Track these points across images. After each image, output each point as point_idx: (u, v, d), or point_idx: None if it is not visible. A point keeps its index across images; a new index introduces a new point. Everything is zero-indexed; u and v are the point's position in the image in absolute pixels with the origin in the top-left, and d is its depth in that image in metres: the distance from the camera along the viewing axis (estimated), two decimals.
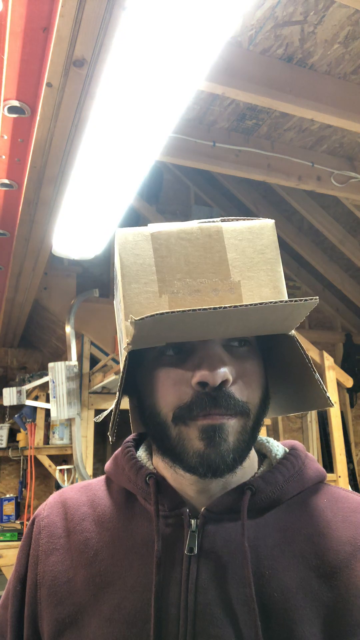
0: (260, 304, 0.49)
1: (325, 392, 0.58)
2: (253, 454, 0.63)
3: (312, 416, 4.34)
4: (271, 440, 0.67)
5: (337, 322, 5.20)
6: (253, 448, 0.63)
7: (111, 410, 0.59)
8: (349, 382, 2.98)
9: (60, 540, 0.63)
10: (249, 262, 0.57)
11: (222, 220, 0.59)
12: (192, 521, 0.57)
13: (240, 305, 0.48)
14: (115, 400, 0.57)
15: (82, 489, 0.69)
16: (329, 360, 2.90)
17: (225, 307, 0.48)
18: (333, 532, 0.58)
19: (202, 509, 0.58)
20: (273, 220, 0.60)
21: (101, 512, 0.63)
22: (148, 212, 4.25)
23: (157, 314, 0.48)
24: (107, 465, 0.69)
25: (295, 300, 0.49)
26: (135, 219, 4.56)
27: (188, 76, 1.22)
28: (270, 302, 0.49)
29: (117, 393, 0.57)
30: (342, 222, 3.99)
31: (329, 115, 1.95)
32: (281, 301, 0.49)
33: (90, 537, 0.61)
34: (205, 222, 0.59)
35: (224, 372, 0.53)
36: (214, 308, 0.48)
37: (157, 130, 1.42)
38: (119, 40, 1.07)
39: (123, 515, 0.62)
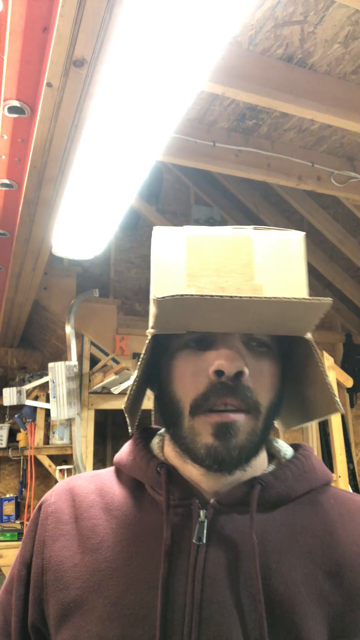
0: (274, 298, 0.51)
1: (335, 397, 0.59)
2: (263, 454, 0.64)
3: None
4: (280, 440, 0.69)
5: (337, 322, 5.20)
6: (264, 449, 0.64)
7: (129, 393, 0.61)
8: (349, 382, 2.98)
9: (67, 527, 0.63)
10: (274, 267, 0.60)
11: (255, 229, 0.62)
12: (201, 512, 0.58)
13: (255, 297, 0.51)
14: (133, 377, 0.61)
15: (91, 478, 0.69)
16: (329, 360, 2.90)
17: (241, 297, 0.51)
18: (340, 531, 0.59)
19: (212, 500, 0.59)
20: (303, 233, 0.63)
21: (110, 500, 0.64)
22: (148, 212, 4.25)
23: (177, 295, 0.51)
24: (117, 456, 0.70)
25: (310, 299, 0.51)
26: (135, 219, 4.56)
27: (188, 76, 1.22)
28: (284, 298, 0.51)
29: (137, 372, 0.60)
30: (342, 222, 3.99)
31: (329, 115, 1.95)
32: (295, 298, 0.51)
33: (98, 523, 0.62)
34: (238, 228, 0.62)
35: (239, 363, 0.55)
36: (230, 296, 0.51)
37: (157, 130, 1.42)
38: (119, 40, 1.07)
39: (132, 504, 0.63)
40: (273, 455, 0.67)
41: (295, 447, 0.68)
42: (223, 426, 0.55)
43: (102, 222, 1.97)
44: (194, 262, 0.60)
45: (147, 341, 0.58)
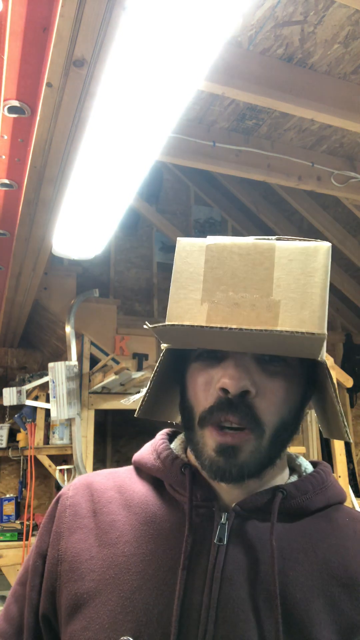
0: (265, 331, 0.51)
1: (345, 427, 0.59)
2: (285, 467, 0.66)
3: (312, 416, 4.33)
4: (301, 457, 0.70)
5: (337, 322, 5.20)
6: (286, 462, 0.66)
7: (142, 396, 0.65)
8: (349, 382, 2.98)
9: (84, 520, 0.64)
10: (294, 282, 0.57)
11: (278, 239, 0.60)
12: (223, 514, 0.59)
13: (237, 328, 0.51)
14: (145, 389, 0.63)
15: (109, 475, 0.70)
16: (329, 360, 2.90)
17: (228, 328, 0.51)
18: (357, 547, 0.60)
19: (234, 505, 0.60)
20: (329, 244, 0.60)
21: (129, 497, 0.65)
22: (148, 212, 4.25)
23: (163, 325, 0.53)
24: (137, 455, 0.71)
25: (302, 333, 0.50)
26: (135, 219, 4.56)
27: (188, 76, 1.22)
28: (276, 331, 0.51)
29: (150, 383, 0.63)
30: (342, 222, 3.99)
31: (329, 115, 1.95)
32: (286, 331, 0.51)
33: (117, 519, 0.63)
34: (261, 238, 0.61)
35: (244, 383, 0.56)
36: (211, 327, 0.52)
37: (157, 130, 1.42)
38: (119, 40, 1.06)
39: (152, 502, 0.64)
40: (294, 469, 0.68)
41: (314, 464, 0.70)
42: (224, 446, 0.56)
43: (102, 222, 1.97)
44: (211, 276, 0.59)
45: (161, 354, 0.60)
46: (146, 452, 0.70)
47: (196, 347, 0.60)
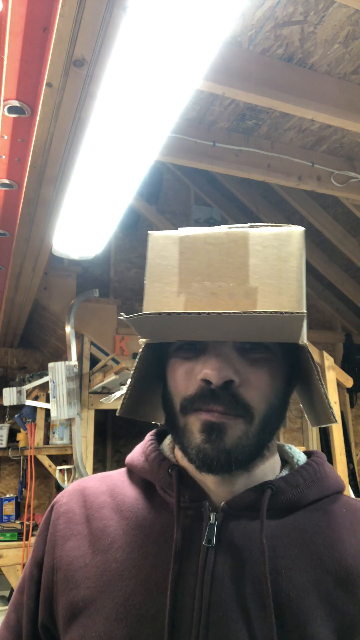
0: (244, 312, 0.50)
1: (330, 409, 0.59)
2: (275, 459, 0.64)
3: None
4: (293, 447, 0.69)
5: (337, 322, 5.20)
6: (276, 454, 0.65)
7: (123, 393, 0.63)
8: (349, 382, 2.98)
9: (78, 527, 0.63)
10: (270, 269, 0.57)
11: (251, 226, 0.60)
12: (212, 515, 0.58)
13: (215, 313, 0.50)
14: (126, 386, 0.61)
15: (102, 479, 0.70)
16: (329, 360, 2.90)
17: (207, 313, 0.50)
18: (352, 539, 0.59)
19: (222, 504, 0.59)
20: (302, 228, 0.60)
21: (121, 501, 0.64)
22: (148, 212, 4.25)
23: (143, 314, 0.51)
24: (129, 457, 0.70)
25: (278, 313, 0.49)
26: (135, 219, 4.56)
27: (188, 76, 1.22)
28: (254, 312, 0.50)
29: (130, 380, 0.60)
30: (342, 222, 3.99)
31: (329, 115, 1.95)
32: (266, 312, 0.50)
33: (109, 524, 0.62)
34: (234, 227, 0.60)
35: (227, 373, 0.54)
36: (190, 314, 0.50)
37: (157, 130, 1.42)
38: (119, 40, 1.07)
39: (142, 505, 0.63)
40: (286, 461, 0.67)
41: (308, 454, 0.68)
42: (210, 425, 0.55)
43: (102, 222, 1.98)
44: (186, 267, 0.58)
45: (140, 350, 0.58)
46: (136, 454, 0.69)
47: (175, 340, 0.58)
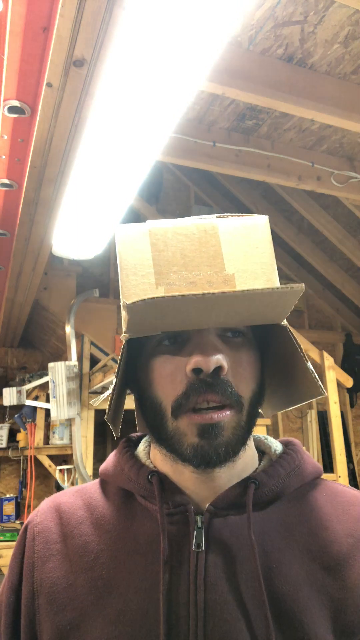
0: (247, 290, 0.50)
1: (317, 381, 0.58)
2: (253, 451, 0.64)
3: (312, 416, 4.34)
4: (269, 437, 0.68)
5: (337, 322, 5.20)
6: (253, 445, 0.64)
7: (110, 398, 0.61)
8: (349, 382, 2.98)
9: (56, 546, 0.60)
10: (243, 256, 0.58)
11: (218, 217, 0.61)
12: (198, 517, 0.57)
13: (227, 292, 0.50)
14: (112, 386, 0.59)
15: (77, 493, 0.67)
16: (329, 360, 2.90)
17: (213, 293, 0.49)
18: (334, 525, 0.59)
19: (207, 505, 0.58)
20: (267, 217, 0.62)
21: (99, 514, 0.62)
22: (148, 212, 4.24)
23: (147, 298, 0.49)
24: (102, 467, 0.68)
25: (282, 287, 0.50)
26: (135, 219, 4.55)
27: (188, 76, 1.22)
28: (257, 290, 0.50)
29: (114, 379, 0.58)
30: (342, 222, 3.99)
31: (329, 115, 1.95)
32: (268, 288, 0.50)
33: (89, 540, 0.59)
34: (200, 218, 0.61)
35: (218, 358, 0.54)
36: (203, 294, 0.49)
37: (157, 130, 1.42)
38: (119, 40, 1.07)
39: (123, 516, 0.61)
40: (264, 452, 0.66)
41: (285, 443, 0.67)
42: (207, 427, 0.54)
43: (102, 222, 1.97)
44: (161, 259, 0.58)
45: (122, 347, 0.57)
46: (110, 463, 0.66)
47: (166, 330, 0.56)
